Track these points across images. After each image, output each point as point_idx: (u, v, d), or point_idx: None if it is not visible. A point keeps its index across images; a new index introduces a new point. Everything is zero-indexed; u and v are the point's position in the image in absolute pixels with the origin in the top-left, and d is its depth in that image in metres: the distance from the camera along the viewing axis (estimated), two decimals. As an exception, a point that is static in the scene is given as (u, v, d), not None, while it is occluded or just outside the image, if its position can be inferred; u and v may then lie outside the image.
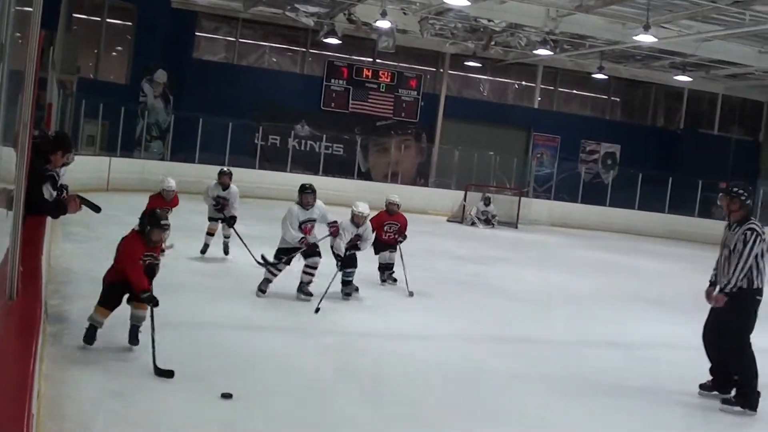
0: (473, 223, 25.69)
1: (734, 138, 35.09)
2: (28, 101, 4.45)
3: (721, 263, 7.78)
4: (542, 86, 33.57)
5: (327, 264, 10.65)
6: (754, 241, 7.46)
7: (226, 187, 12.98)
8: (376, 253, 12.11)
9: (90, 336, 7.04)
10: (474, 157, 30.84)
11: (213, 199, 12.93)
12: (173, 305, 8.69)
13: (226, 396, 6.20)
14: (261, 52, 30.84)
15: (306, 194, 10.45)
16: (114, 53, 29.47)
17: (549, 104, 34.02)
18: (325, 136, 29.86)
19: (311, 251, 10.44)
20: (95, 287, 7.32)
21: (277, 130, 29.63)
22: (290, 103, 29.69)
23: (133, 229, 7.27)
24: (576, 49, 28.14)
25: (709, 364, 7.92)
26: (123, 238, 7.26)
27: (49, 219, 8.25)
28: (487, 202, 26.12)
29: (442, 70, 32.13)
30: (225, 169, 13.44)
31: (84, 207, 7.10)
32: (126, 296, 7.17)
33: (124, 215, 10.49)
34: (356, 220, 10.72)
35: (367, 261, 11.66)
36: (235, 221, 12.89)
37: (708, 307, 7.93)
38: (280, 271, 10.47)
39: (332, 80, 30.59)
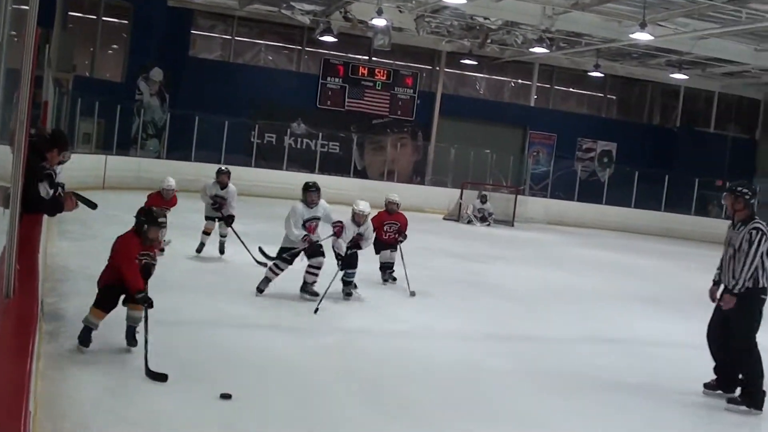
0: (470, 221, 25.69)
1: (730, 136, 35.13)
2: (24, 99, 4.43)
3: (725, 262, 7.77)
4: (538, 84, 33.56)
5: (328, 263, 10.62)
6: (760, 241, 7.46)
7: (224, 186, 12.92)
8: (377, 252, 12.08)
9: (85, 338, 6.97)
10: (470, 155, 30.82)
11: (211, 198, 12.87)
12: (172, 304, 8.70)
13: (225, 396, 6.18)
14: (257, 50, 30.81)
15: (310, 192, 10.38)
16: (110, 51, 29.43)
17: (545, 102, 34.02)
18: (321, 134, 29.86)
19: (315, 251, 10.37)
20: (91, 285, 7.28)
21: (273, 128, 29.62)
22: (286, 101, 29.68)
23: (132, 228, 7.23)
24: (572, 47, 28.15)
25: (712, 363, 7.93)
26: (119, 237, 7.22)
27: (45, 217, 8.25)
28: (483, 199, 26.12)
29: (438, 68, 32.12)
30: (223, 167, 13.36)
31: (80, 204, 7.09)
32: (122, 298, 7.11)
33: (120, 213, 10.47)
34: (357, 218, 10.67)
35: (368, 261, 11.63)
36: (233, 220, 12.82)
37: (709, 306, 7.94)
38: (281, 270, 10.41)
39: (328, 78, 30.56)
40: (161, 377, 6.42)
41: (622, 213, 29.98)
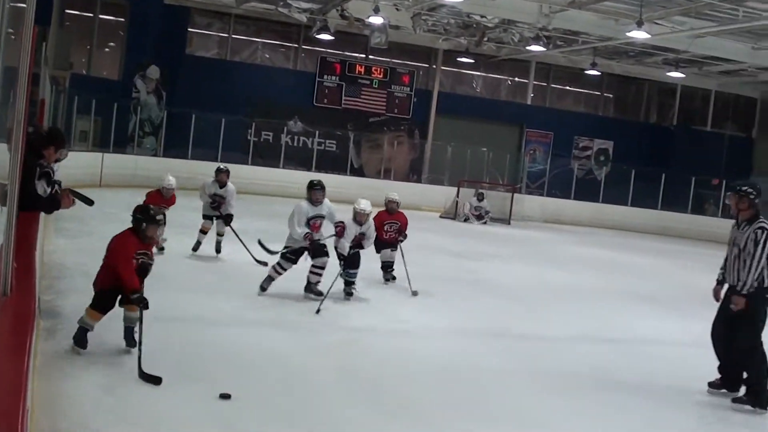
0: (466, 219, 25.70)
1: (727, 134, 35.17)
2: (22, 97, 4.44)
3: (730, 262, 7.77)
4: (535, 82, 33.59)
5: (331, 263, 10.60)
6: (766, 240, 7.45)
7: (223, 185, 12.86)
8: (378, 251, 12.04)
9: (81, 339, 6.87)
10: (467, 154, 30.84)
11: (210, 196, 12.80)
12: (171, 303, 8.69)
13: (225, 396, 6.15)
14: (254, 48, 30.79)
15: (315, 191, 10.32)
16: (107, 49, 29.40)
17: (542, 100, 34.03)
18: (317, 132, 29.86)
19: (319, 251, 10.34)
20: (89, 282, 7.22)
21: (270, 126, 29.62)
22: (283, 99, 29.68)
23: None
24: (569, 46, 28.16)
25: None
26: (115, 236, 7.11)
27: (42, 215, 8.25)
28: (480, 197, 26.13)
29: (434, 66, 32.12)
30: (222, 166, 13.25)
31: (77, 201, 7.09)
32: (119, 298, 7.02)
33: (117, 211, 10.48)
34: (359, 218, 10.62)
35: (368, 260, 11.60)
36: (231, 220, 12.75)
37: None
38: (285, 270, 10.36)
39: (325, 76, 30.55)
40: (155, 380, 6.32)
41: (619, 211, 30.01)
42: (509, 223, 26.74)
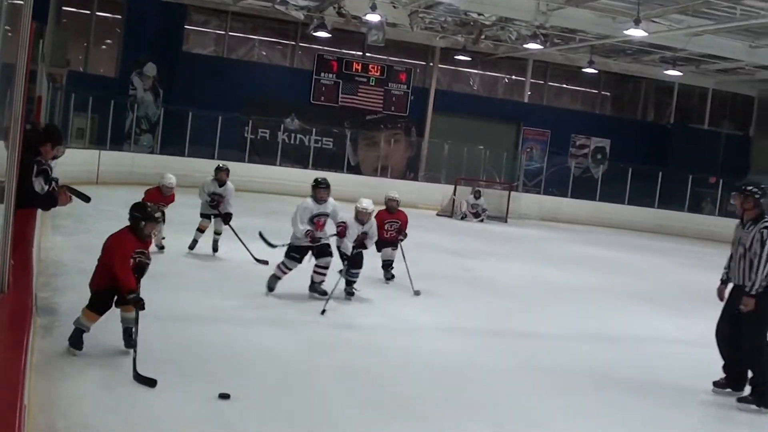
0: (463, 217, 25.70)
1: (724, 133, 35.19)
2: (19, 94, 4.42)
3: (735, 261, 7.76)
4: (532, 80, 33.59)
5: (335, 263, 10.58)
6: None
7: (222, 184, 12.78)
8: (378, 250, 11.99)
9: (77, 340, 6.77)
10: (464, 152, 30.86)
11: (209, 195, 12.73)
12: (170, 302, 8.68)
13: (224, 396, 6.12)
14: (250, 46, 30.75)
15: (320, 189, 10.27)
16: (103, 46, 29.35)
17: (539, 98, 34.03)
18: (314, 129, 29.84)
19: (323, 251, 10.32)
20: (85, 279, 7.15)
21: (267, 124, 29.59)
22: (280, 96, 29.66)
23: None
24: (566, 44, 28.15)
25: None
26: (112, 235, 7.02)
27: (39, 212, 8.23)
28: (477, 195, 26.13)
29: (432, 64, 32.12)
30: (221, 165, 13.12)
31: (74, 198, 7.07)
32: (115, 299, 6.94)
33: (113, 208, 10.45)
34: (361, 217, 10.60)
35: (368, 259, 11.54)
36: (230, 218, 12.68)
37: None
38: (290, 269, 10.30)
39: (322, 74, 30.53)
40: (150, 382, 6.25)
41: (616, 209, 30.01)
42: (506, 221, 26.76)
